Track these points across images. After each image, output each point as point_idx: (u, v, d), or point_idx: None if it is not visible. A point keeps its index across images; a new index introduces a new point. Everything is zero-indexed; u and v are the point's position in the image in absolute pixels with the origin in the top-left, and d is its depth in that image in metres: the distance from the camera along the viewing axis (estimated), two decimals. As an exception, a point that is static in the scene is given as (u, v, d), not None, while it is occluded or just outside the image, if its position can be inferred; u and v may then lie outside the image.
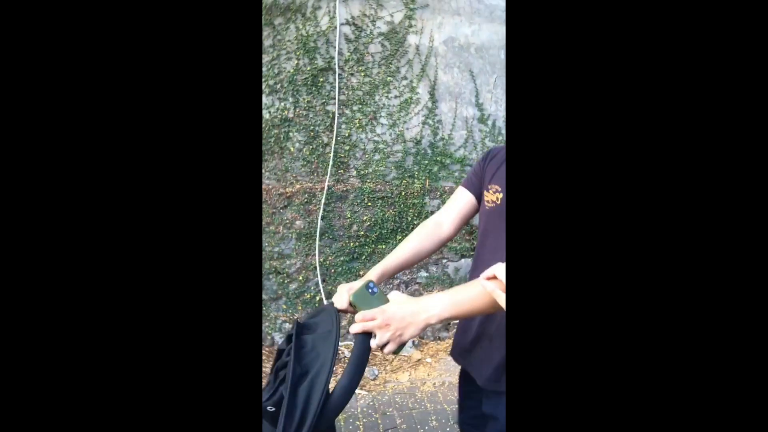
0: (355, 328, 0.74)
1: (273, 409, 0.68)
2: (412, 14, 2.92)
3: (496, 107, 3.17)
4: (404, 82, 2.99)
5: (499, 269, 0.64)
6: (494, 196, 0.99)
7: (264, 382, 0.73)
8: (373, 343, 0.73)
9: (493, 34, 3.12)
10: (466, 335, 1.05)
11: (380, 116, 2.97)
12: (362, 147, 2.96)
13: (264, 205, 2.85)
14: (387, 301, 0.78)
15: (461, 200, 1.10)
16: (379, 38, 2.92)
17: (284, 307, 2.83)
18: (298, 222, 2.86)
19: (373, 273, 0.96)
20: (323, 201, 2.85)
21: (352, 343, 0.73)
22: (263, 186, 2.87)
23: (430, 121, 3.04)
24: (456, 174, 3.10)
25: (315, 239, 2.84)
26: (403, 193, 2.99)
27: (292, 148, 2.89)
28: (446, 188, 3.08)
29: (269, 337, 2.82)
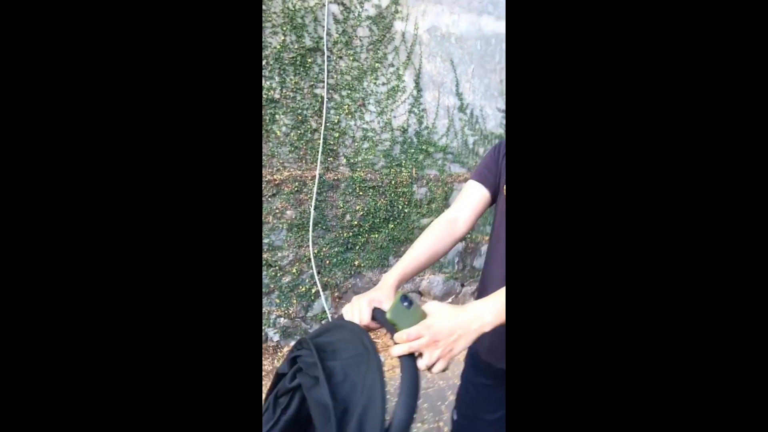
0: (399, 350, 0.64)
1: None
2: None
3: (473, 96, 3.30)
4: (391, 70, 2.95)
5: None
6: None
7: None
8: (422, 363, 0.64)
9: (471, 24, 3.21)
10: None
11: (368, 103, 2.91)
12: (351, 134, 2.88)
13: (252, 195, 2.64)
14: (424, 313, 0.69)
15: (475, 195, 1.04)
16: (367, 21, 2.83)
17: (277, 301, 2.68)
18: (288, 212, 2.70)
19: (393, 278, 0.84)
20: (315, 190, 2.73)
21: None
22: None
23: (416, 110, 3.06)
24: (439, 162, 3.18)
25: (308, 230, 2.71)
26: (392, 182, 2.98)
27: (278, 132, 2.70)
28: (431, 176, 3.14)
29: (262, 333, 2.65)
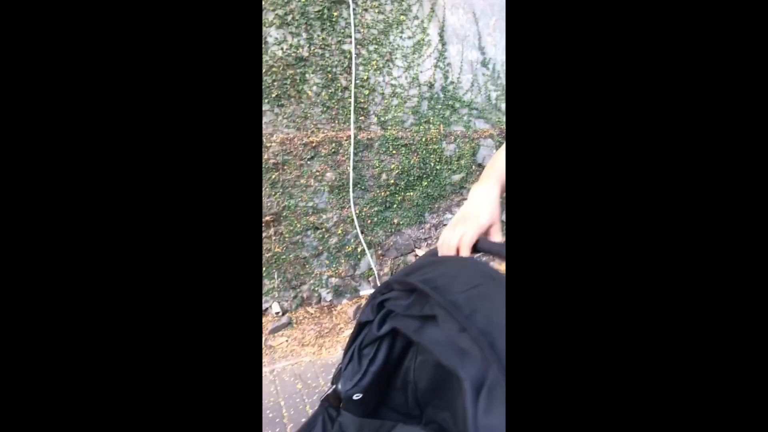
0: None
1: (360, 397, 0.59)
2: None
3: (495, 50, 3.26)
4: (416, 22, 2.87)
5: None
6: None
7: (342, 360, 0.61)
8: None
9: (490, -25, 3.14)
10: None
11: (395, 58, 2.83)
12: (380, 91, 2.81)
13: (290, 156, 2.56)
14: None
15: None
16: (392, -29, 2.72)
17: (327, 262, 2.66)
18: (328, 174, 2.65)
19: (497, 186, 0.72)
20: (351, 151, 2.67)
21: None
22: (284, 135, 2.55)
23: (441, 64, 3.01)
24: (465, 118, 3.16)
25: (348, 191, 2.68)
26: (423, 139, 2.96)
27: (309, 92, 2.60)
28: (458, 132, 3.13)
29: (316, 294, 2.64)
